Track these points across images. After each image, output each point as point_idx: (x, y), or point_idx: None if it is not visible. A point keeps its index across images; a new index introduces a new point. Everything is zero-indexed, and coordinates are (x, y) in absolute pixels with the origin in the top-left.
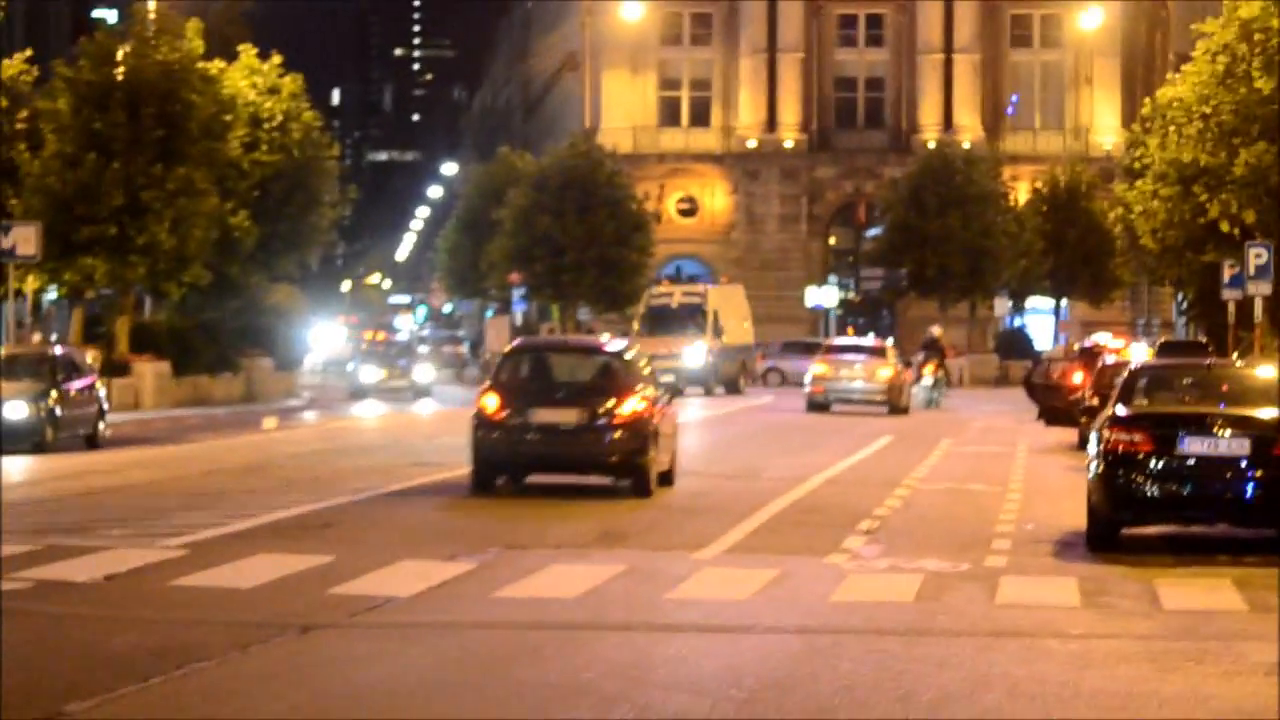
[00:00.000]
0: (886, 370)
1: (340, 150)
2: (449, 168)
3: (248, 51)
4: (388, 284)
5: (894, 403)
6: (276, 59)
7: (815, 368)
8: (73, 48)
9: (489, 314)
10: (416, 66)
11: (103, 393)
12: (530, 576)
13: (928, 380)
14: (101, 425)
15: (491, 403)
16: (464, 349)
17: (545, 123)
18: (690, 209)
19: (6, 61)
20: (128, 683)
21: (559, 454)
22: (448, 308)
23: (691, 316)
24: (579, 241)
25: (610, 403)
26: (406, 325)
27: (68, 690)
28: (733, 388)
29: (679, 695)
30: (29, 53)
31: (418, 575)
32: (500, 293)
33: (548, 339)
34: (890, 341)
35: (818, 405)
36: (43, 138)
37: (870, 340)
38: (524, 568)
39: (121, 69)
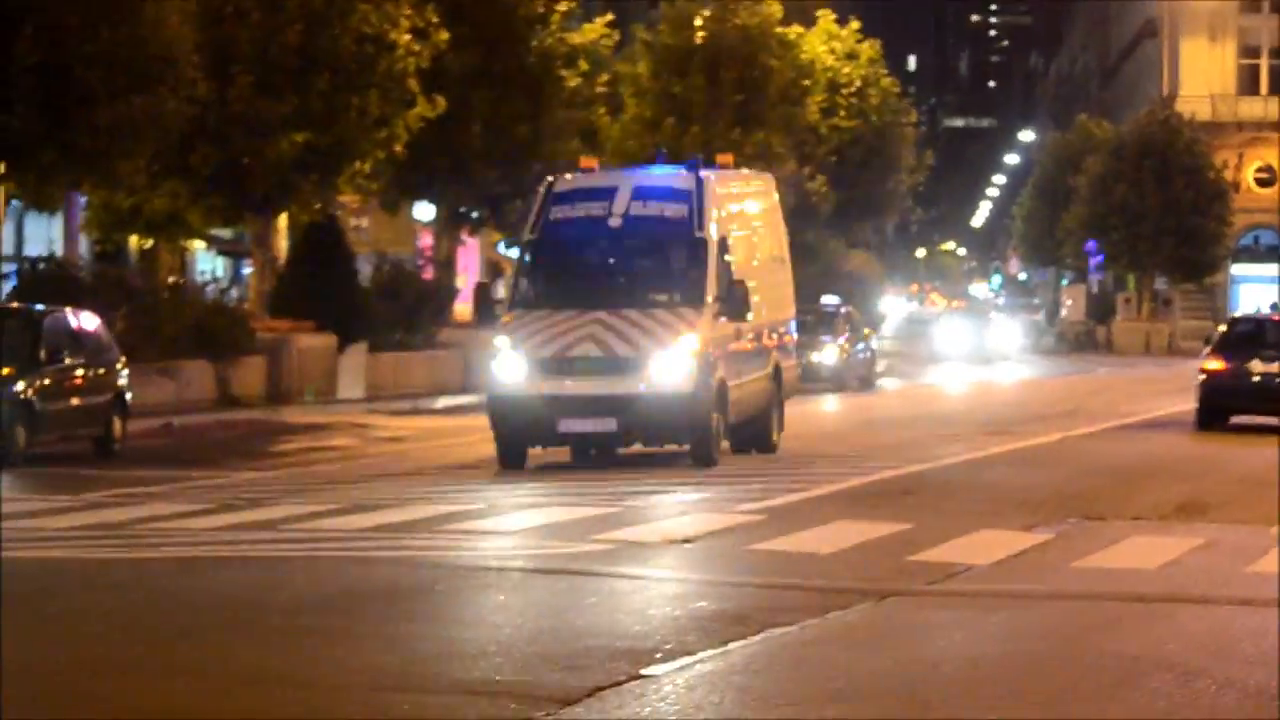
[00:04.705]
0: None
1: (917, 116)
2: (1025, 135)
3: (826, 17)
4: (962, 251)
5: None
6: (855, 25)
7: None
8: (653, 12)
9: (1064, 282)
10: (993, 33)
11: None
12: (1109, 548)
13: None
14: None
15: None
16: (1040, 316)
17: (1122, 90)
18: (1268, 179)
19: (588, 26)
20: (707, 646)
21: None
22: (1022, 275)
23: (663, 254)
24: (1156, 210)
25: None
26: (981, 293)
27: (648, 653)
28: (762, 441)
29: (1261, 670)
30: (610, 17)
31: (996, 544)
32: (1076, 261)
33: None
34: None
35: None
36: (622, 101)
37: None
38: (1102, 539)
39: (701, 33)
